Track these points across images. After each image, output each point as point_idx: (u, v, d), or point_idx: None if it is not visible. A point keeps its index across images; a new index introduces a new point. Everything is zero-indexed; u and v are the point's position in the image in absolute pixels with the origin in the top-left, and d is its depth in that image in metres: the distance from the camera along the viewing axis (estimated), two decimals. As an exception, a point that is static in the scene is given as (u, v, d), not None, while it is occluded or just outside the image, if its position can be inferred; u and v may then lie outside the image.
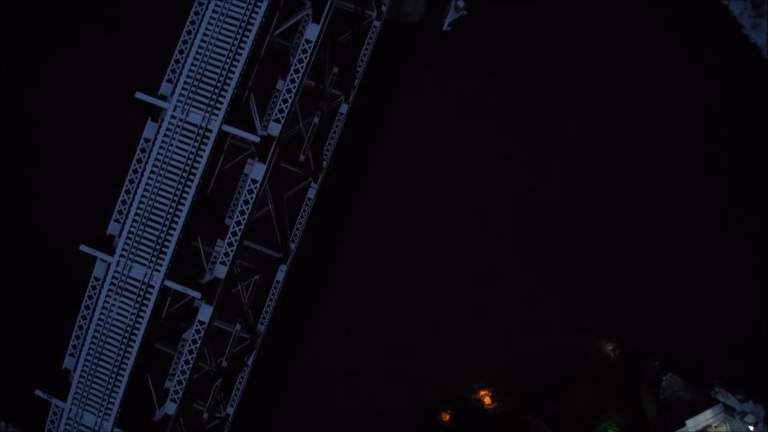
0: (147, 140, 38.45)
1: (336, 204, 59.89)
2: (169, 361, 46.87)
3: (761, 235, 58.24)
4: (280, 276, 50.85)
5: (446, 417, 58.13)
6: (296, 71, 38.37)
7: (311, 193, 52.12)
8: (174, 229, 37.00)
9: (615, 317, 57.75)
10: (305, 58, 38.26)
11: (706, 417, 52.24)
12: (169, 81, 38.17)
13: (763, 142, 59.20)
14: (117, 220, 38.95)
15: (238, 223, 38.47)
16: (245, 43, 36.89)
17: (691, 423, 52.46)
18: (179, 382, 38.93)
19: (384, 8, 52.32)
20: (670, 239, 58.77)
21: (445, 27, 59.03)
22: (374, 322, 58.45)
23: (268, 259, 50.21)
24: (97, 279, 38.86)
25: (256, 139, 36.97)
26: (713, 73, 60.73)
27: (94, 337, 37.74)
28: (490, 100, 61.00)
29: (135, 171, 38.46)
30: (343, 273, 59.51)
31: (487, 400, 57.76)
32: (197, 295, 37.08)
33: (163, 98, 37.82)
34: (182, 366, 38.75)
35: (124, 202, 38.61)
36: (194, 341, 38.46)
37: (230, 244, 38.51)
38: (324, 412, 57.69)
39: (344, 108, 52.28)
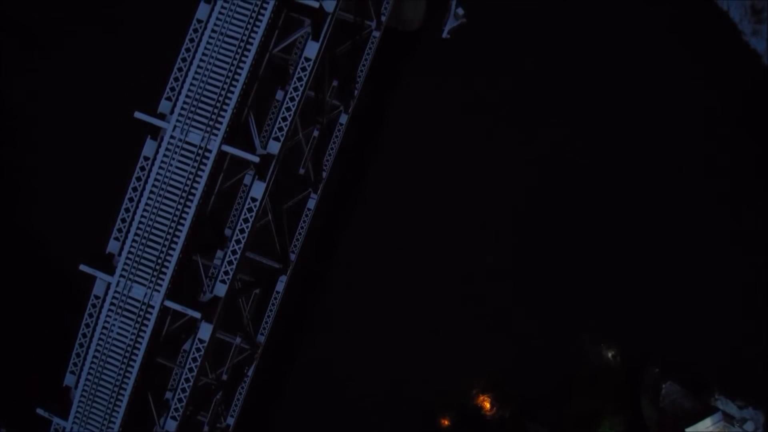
0: (146, 158, 38.38)
1: (336, 212, 59.74)
2: (169, 370, 46.98)
3: (761, 235, 58.26)
4: (280, 286, 50.78)
5: (446, 422, 58.27)
6: (295, 89, 38.25)
7: (311, 204, 52.04)
8: (174, 249, 36.98)
9: (615, 322, 57.75)
10: (304, 76, 38.13)
11: (705, 425, 52.38)
12: (168, 99, 38.08)
13: (764, 142, 59.11)
14: (117, 238, 38.93)
15: (238, 242, 38.41)
16: (244, 62, 36.77)
17: (690, 431, 52.61)
18: (179, 400, 38.99)
19: (383, 18, 52.07)
20: (671, 241, 58.76)
21: (444, 35, 58.91)
22: (374, 329, 58.49)
23: (267, 269, 50.11)
24: (97, 297, 38.83)
25: (256, 159, 36.94)
26: (713, 74, 60.61)
27: (94, 356, 37.76)
28: (489, 107, 60.86)
29: (134, 189, 38.39)
30: (343, 280, 59.49)
31: (487, 405, 57.88)
32: (197, 315, 37.07)
33: (162, 117, 37.75)
34: (182, 384, 38.80)
35: (123, 220, 38.60)
36: (194, 359, 38.48)
37: (230, 263, 38.47)
38: (324, 420, 57.81)
39: (344, 119, 52.12)
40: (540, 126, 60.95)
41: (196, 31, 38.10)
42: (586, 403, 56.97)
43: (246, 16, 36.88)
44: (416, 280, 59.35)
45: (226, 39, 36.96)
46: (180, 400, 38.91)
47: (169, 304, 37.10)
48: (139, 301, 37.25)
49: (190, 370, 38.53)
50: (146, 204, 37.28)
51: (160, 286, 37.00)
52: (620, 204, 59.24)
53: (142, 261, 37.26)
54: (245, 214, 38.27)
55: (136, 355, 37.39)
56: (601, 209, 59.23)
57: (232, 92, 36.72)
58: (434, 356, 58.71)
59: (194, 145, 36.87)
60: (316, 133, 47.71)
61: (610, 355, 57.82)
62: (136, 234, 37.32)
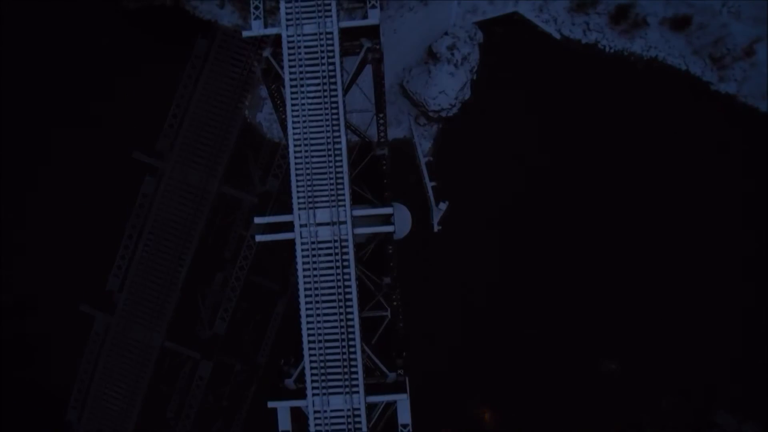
0: (144, 195, 38.24)
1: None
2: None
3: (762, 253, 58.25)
4: (280, 308, 50.63)
5: (446, 434, 58.48)
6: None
7: (310, 226, 51.71)
8: (173, 290, 36.96)
9: (617, 338, 57.74)
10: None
11: (704, 441, 52.82)
12: (166, 136, 37.91)
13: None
14: (116, 275, 38.84)
15: (238, 279, 38.47)
16: (243, 102, 36.57)
17: (690, 448, 53.06)
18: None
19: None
20: (671, 259, 58.60)
21: (444, 52, 58.48)
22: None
23: (267, 291, 49.91)
24: (97, 334, 38.85)
25: (255, 200, 36.89)
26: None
27: (95, 397, 37.91)
28: (489, 115, 60.51)
29: (133, 226, 38.30)
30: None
31: (487, 417, 58.07)
32: (197, 356, 37.18)
33: (160, 155, 37.61)
34: (183, 421, 38.92)
35: (123, 257, 38.51)
36: (194, 396, 38.57)
37: (229, 299, 38.49)
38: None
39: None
40: (540, 136, 60.49)
41: (194, 67, 37.84)
42: (587, 417, 57.15)
43: (245, 54, 36.68)
44: (418, 293, 59.22)
45: (225, 78, 36.74)
46: (181, 436, 39.13)
47: (169, 345, 37.15)
48: (139, 341, 37.32)
49: (191, 405, 38.63)
50: (146, 244, 37.23)
51: (160, 326, 37.04)
52: (621, 216, 58.95)
53: (142, 302, 37.30)
54: (244, 251, 38.20)
55: (139, 393, 37.56)
56: (601, 227, 58.91)
57: (232, 132, 36.56)
58: (435, 368, 58.75)
59: (193, 186, 36.76)
60: (315, 161, 47.39)
61: (612, 367, 57.91)
62: (135, 274, 37.30)
